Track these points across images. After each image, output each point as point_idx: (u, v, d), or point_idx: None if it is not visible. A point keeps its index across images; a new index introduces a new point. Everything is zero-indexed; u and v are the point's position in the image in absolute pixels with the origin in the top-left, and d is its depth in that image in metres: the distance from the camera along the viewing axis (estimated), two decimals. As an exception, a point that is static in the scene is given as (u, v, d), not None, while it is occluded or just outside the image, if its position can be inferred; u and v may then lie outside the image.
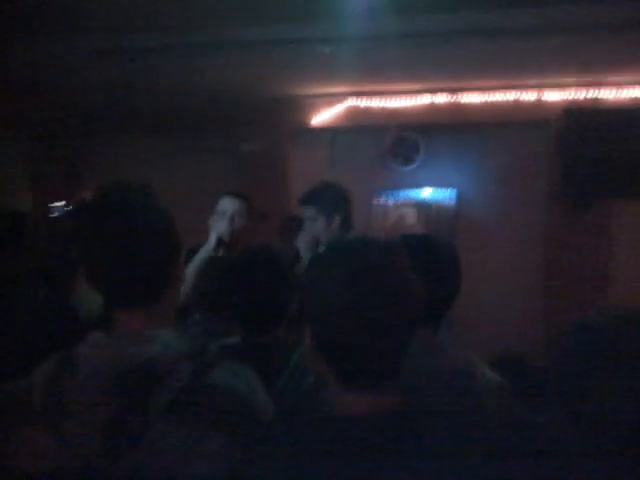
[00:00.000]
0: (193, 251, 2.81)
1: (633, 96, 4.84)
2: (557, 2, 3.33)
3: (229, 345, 1.80)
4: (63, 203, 2.31)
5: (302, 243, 2.85)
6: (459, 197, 5.35)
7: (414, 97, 5.10)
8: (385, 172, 5.44)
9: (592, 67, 4.50)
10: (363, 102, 5.20)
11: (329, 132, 5.44)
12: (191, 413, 1.06)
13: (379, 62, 4.27)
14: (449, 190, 5.36)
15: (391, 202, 5.48)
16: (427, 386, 1.27)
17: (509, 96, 4.98)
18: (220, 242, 2.82)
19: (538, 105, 4.97)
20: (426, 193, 5.39)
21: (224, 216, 2.90)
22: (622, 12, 3.45)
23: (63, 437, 1.07)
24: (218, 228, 2.85)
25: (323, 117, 5.30)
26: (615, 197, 4.82)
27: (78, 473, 1.06)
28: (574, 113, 4.75)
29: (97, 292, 1.17)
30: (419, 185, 5.40)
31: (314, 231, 2.84)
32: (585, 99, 4.90)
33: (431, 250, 1.48)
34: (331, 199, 2.89)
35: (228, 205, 2.93)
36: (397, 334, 1.01)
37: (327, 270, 1.04)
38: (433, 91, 5.06)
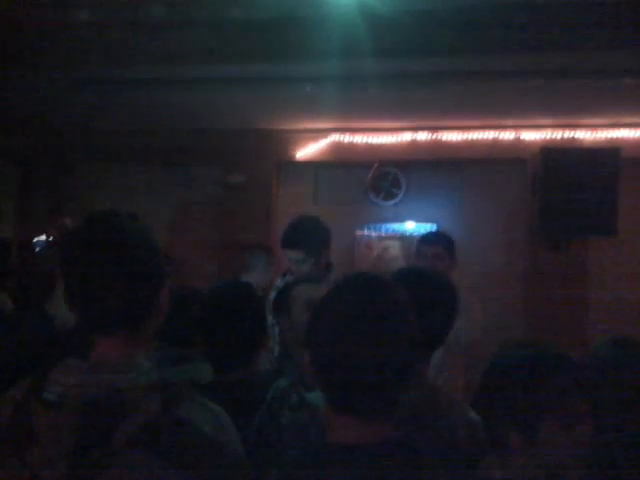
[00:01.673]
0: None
1: (607, 137, 5.01)
2: (535, 49, 3.48)
3: (204, 382, 1.82)
4: (45, 237, 2.35)
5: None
6: (439, 232, 5.45)
7: (396, 134, 5.24)
8: (367, 206, 5.54)
9: (568, 109, 4.67)
10: (347, 138, 5.32)
11: (313, 166, 5.55)
12: (155, 446, 1.05)
13: (362, 100, 4.40)
14: (429, 225, 5.47)
15: (374, 235, 5.57)
16: (411, 417, 1.31)
17: (488, 135, 5.13)
18: None
19: (516, 144, 5.11)
20: (408, 227, 5.49)
21: None
22: (596, 59, 3.62)
23: (27, 462, 1.07)
24: None
25: (308, 151, 5.40)
26: (590, 234, 4.94)
27: None
28: (550, 153, 4.89)
29: (77, 316, 1.17)
30: (401, 219, 5.50)
31: (302, 271, 2.79)
32: (561, 139, 5.06)
33: (427, 284, 1.50)
34: (319, 240, 2.85)
35: None
36: (391, 370, 1.05)
37: (328, 302, 1.11)
38: (415, 129, 5.20)
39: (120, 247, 1.14)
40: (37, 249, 2.60)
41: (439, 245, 3.19)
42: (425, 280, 1.51)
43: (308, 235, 2.82)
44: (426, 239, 3.32)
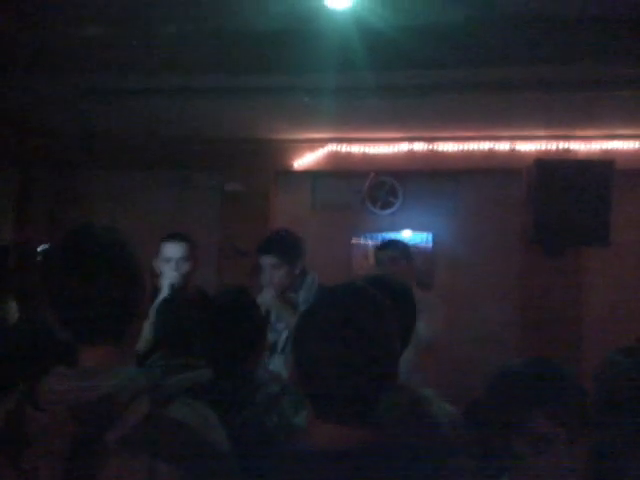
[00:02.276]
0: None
1: (601, 148, 5.08)
2: (530, 61, 3.55)
3: (198, 383, 1.86)
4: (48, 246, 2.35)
5: (267, 296, 2.89)
6: (435, 241, 5.50)
7: (393, 144, 5.29)
8: (364, 215, 5.58)
9: (563, 120, 4.73)
10: (344, 148, 5.37)
11: (311, 175, 5.59)
12: (146, 445, 1.09)
13: (360, 111, 4.45)
14: (426, 234, 5.51)
15: (371, 244, 5.61)
16: (388, 418, 1.35)
17: (483, 146, 5.19)
18: (172, 288, 2.89)
19: (511, 155, 5.17)
20: (405, 236, 5.54)
21: (170, 263, 2.97)
22: (591, 71, 3.68)
23: (22, 469, 1.10)
24: (168, 276, 2.93)
25: (305, 161, 5.45)
26: (583, 243, 5.00)
27: None
28: (545, 164, 4.95)
29: (63, 328, 1.21)
30: (397, 228, 5.55)
31: (276, 277, 2.92)
32: (556, 151, 5.12)
33: (389, 288, 1.52)
34: (294, 248, 2.99)
35: (172, 252, 2.99)
36: (372, 377, 1.08)
37: (311, 311, 1.15)
38: (411, 139, 5.25)
39: (98, 260, 1.18)
40: (39, 258, 2.60)
41: (393, 250, 3.56)
42: (384, 285, 1.55)
43: (282, 243, 2.98)
44: (381, 246, 3.74)
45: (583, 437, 1.27)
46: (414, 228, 5.52)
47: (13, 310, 2.66)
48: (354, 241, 5.58)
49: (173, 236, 3.03)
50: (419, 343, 2.98)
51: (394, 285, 1.67)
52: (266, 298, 2.88)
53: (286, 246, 2.96)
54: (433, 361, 3.40)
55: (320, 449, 1.08)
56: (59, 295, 1.19)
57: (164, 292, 2.86)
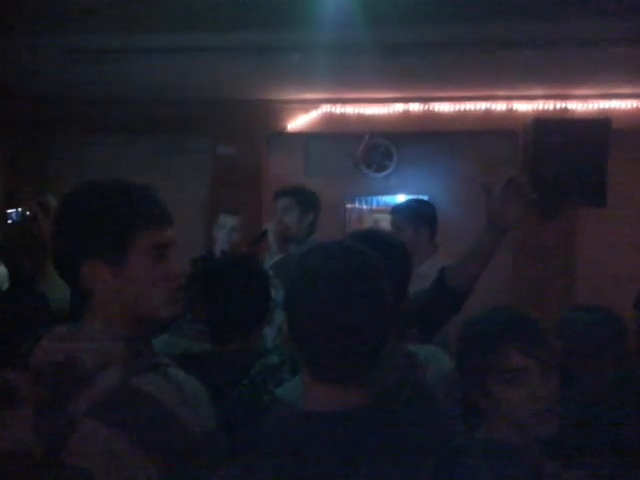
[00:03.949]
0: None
1: (598, 108, 5.00)
2: (527, 17, 3.46)
3: (197, 351, 1.83)
4: (21, 210, 2.24)
5: (272, 230, 2.95)
6: (430, 204, 5.45)
7: (387, 105, 5.20)
8: (358, 178, 5.53)
9: (560, 79, 4.66)
10: (338, 109, 5.28)
11: (304, 137, 5.51)
12: (111, 416, 1.06)
13: (354, 71, 4.36)
14: (421, 197, 5.46)
15: (365, 207, 5.57)
16: (384, 381, 1.32)
17: (480, 106, 5.11)
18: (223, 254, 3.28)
19: (507, 116, 5.10)
20: (399, 199, 5.48)
21: (224, 230, 3.36)
22: (589, 28, 3.61)
23: (6, 425, 1.09)
24: (220, 243, 3.34)
25: (298, 123, 5.37)
26: (579, 205, 4.96)
27: (12, 460, 1.08)
28: (541, 124, 4.86)
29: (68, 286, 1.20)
30: (392, 191, 5.50)
31: (286, 221, 2.99)
32: (552, 111, 5.05)
33: (382, 244, 1.47)
34: (309, 197, 3.08)
35: (226, 220, 3.41)
36: (367, 335, 1.04)
37: (303, 269, 1.10)
38: (406, 100, 5.17)
39: (101, 214, 1.15)
40: (9, 221, 2.51)
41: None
42: (377, 241, 1.50)
43: (298, 189, 3.12)
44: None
45: (552, 370, 1.34)
46: (409, 191, 5.47)
47: (3, 277, 2.61)
48: (348, 206, 5.54)
49: (227, 209, 3.52)
50: None
51: (388, 241, 1.62)
52: (272, 226, 2.97)
53: (302, 193, 3.08)
54: None
55: (318, 411, 1.05)
56: (58, 248, 1.17)
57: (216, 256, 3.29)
